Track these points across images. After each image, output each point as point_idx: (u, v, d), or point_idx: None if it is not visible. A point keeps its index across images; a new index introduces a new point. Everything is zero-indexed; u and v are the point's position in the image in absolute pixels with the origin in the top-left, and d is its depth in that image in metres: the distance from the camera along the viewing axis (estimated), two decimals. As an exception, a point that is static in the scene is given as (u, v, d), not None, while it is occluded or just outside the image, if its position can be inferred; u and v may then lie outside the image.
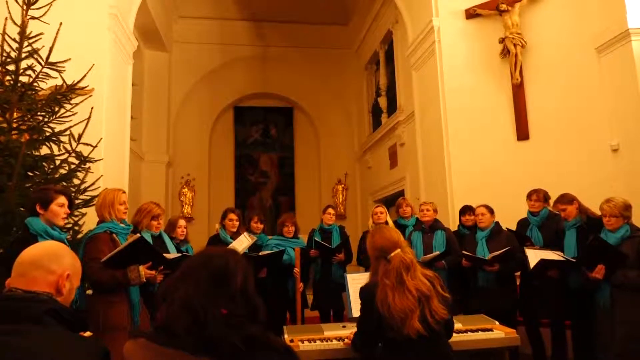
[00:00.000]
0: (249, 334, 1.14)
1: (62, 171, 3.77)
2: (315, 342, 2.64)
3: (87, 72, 4.03)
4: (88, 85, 4.11)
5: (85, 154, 3.90)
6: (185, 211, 9.50)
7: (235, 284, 1.21)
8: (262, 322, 1.22)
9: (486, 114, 5.73)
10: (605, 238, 3.22)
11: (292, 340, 2.65)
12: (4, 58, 3.63)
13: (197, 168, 9.95)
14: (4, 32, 3.66)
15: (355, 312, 2.72)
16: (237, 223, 4.50)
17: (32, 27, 3.75)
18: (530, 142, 5.55)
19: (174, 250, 3.70)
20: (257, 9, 10.20)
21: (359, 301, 2.24)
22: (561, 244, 3.67)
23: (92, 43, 5.06)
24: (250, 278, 1.27)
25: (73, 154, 3.85)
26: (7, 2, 3.78)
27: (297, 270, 4.47)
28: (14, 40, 3.67)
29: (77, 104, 4.00)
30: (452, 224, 5.07)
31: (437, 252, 4.07)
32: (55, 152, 3.81)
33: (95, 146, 3.98)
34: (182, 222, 4.14)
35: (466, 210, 4.67)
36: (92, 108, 4.04)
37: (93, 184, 3.92)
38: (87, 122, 3.86)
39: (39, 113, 3.73)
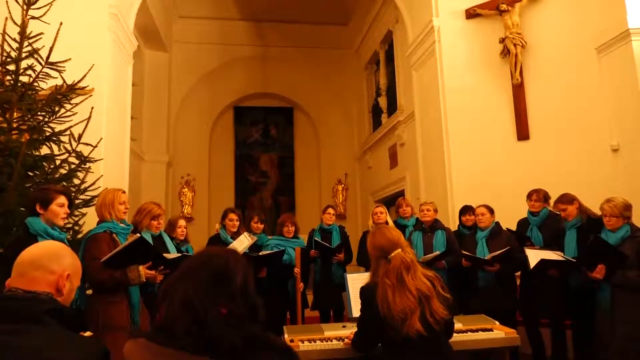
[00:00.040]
0: (249, 334, 1.14)
1: (62, 171, 3.77)
2: (315, 342, 2.64)
3: (87, 72, 4.03)
4: (88, 85, 4.11)
5: (86, 154, 3.90)
6: (185, 211, 9.50)
7: (235, 283, 1.21)
8: (262, 321, 1.22)
9: (486, 114, 5.73)
10: (606, 238, 3.22)
11: (292, 340, 2.65)
12: (4, 58, 3.64)
13: (197, 168, 9.94)
14: (4, 32, 3.66)
15: (355, 312, 2.72)
16: (238, 223, 4.50)
17: (32, 27, 3.76)
18: (530, 142, 5.55)
19: (174, 250, 3.70)
20: (257, 9, 10.20)
21: (359, 301, 2.24)
22: (561, 244, 3.67)
23: (92, 43, 5.06)
24: (250, 278, 1.26)
25: (73, 154, 3.85)
26: (7, 2, 3.78)
27: (297, 270, 4.47)
28: (14, 40, 3.67)
29: (77, 104, 4.01)
30: (452, 224, 5.07)
31: (437, 252, 4.07)
32: (56, 152, 3.82)
33: (96, 146, 3.98)
34: (182, 222, 4.14)
35: (466, 210, 4.68)
36: (92, 108, 4.04)
37: (93, 184, 3.93)
38: (87, 122, 3.86)
39: (39, 113, 3.73)
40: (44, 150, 3.81)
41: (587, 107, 5.22)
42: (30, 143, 3.52)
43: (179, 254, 3.49)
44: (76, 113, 3.94)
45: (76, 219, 3.86)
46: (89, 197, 3.86)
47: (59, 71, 3.83)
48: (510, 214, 4.24)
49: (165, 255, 3.14)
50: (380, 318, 2.05)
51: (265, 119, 10.85)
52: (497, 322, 2.94)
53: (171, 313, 1.16)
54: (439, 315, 2.04)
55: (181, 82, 9.85)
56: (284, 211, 9.65)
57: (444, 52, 5.96)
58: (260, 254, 4.32)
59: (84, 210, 3.89)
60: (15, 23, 3.69)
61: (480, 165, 5.60)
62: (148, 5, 7.59)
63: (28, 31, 3.71)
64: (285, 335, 2.77)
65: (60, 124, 3.84)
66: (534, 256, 3.52)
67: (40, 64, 3.74)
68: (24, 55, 3.68)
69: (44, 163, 3.69)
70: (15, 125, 3.57)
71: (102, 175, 4.27)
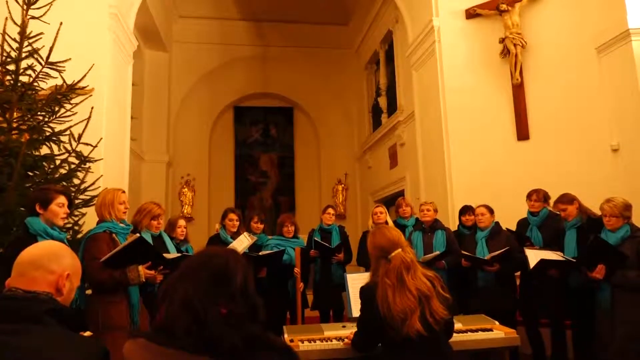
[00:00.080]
0: (249, 334, 1.14)
1: (62, 171, 3.77)
2: (315, 342, 2.64)
3: (87, 72, 4.03)
4: (88, 85, 4.11)
5: (85, 154, 3.90)
6: (185, 211, 9.50)
7: (235, 283, 1.21)
8: (262, 321, 1.22)
9: (486, 114, 5.73)
10: (606, 238, 3.22)
11: (292, 340, 2.65)
12: (4, 58, 3.64)
13: (197, 168, 9.94)
14: (4, 32, 3.66)
15: (355, 312, 2.72)
16: (237, 223, 4.50)
17: (32, 27, 3.76)
18: (530, 142, 5.55)
19: (174, 250, 3.70)
20: (257, 8, 10.20)
21: (359, 301, 2.24)
22: (561, 244, 3.67)
23: (92, 43, 5.06)
24: (250, 278, 1.26)
25: (73, 154, 3.85)
26: (7, 1, 3.78)
27: (297, 270, 4.47)
28: (14, 40, 3.67)
29: (77, 104, 4.01)
30: (452, 224, 5.07)
31: (437, 252, 4.07)
32: (55, 152, 3.82)
33: (95, 146, 3.98)
34: (182, 222, 4.14)
35: (466, 210, 4.68)
36: (92, 108, 4.04)
37: (93, 183, 3.93)
38: (87, 122, 3.86)
39: (39, 113, 3.73)
40: (44, 150, 3.81)
41: (587, 107, 5.22)
42: (30, 143, 3.52)
43: (179, 254, 3.49)
44: (76, 113, 3.94)
45: (76, 218, 3.86)
46: (88, 197, 3.86)
47: (59, 71, 3.83)
48: (510, 214, 4.24)
49: (165, 255, 3.14)
50: (380, 318, 2.05)
51: (265, 118, 10.85)
52: (497, 322, 2.94)
53: (171, 313, 1.16)
54: (439, 315, 2.04)
55: (181, 82, 9.85)
56: (284, 211, 9.64)
57: (444, 52, 5.96)
58: (260, 254, 4.32)
59: (83, 210, 3.89)
60: (15, 23, 3.69)
61: (480, 165, 5.60)
62: (148, 5, 7.59)
63: (28, 31, 3.71)
64: (285, 335, 2.77)
65: (60, 123, 3.84)
66: (533, 256, 3.52)
67: (40, 63, 3.74)
68: (24, 55, 3.68)
69: (44, 163, 3.69)
70: (15, 125, 3.57)
71: (102, 175, 4.27)
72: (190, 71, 9.95)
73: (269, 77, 10.53)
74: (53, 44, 3.72)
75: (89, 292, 2.87)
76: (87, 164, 3.93)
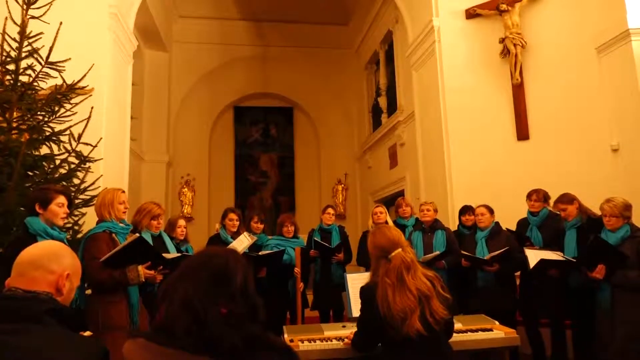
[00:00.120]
0: (249, 334, 1.14)
1: (62, 171, 3.77)
2: (315, 342, 2.64)
3: (87, 72, 4.03)
4: (88, 85, 4.11)
5: (85, 154, 3.90)
6: (185, 211, 9.50)
7: (235, 283, 1.21)
8: (262, 321, 1.22)
9: (486, 114, 5.73)
10: (606, 238, 3.22)
11: (292, 340, 2.65)
12: (4, 57, 3.63)
13: (197, 168, 9.95)
14: (4, 32, 3.66)
15: (355, 312, 2.72)
16: (238, 223, 4.50)
17: (32, 27, 3.76)
18: (530, 142, 5.55)
19: (174, 250, 3.70)
20: (257, 8, 10.20)
21: (359, 301, 2.24)
22: (561, 244, 3.67)
23: (92, 43, 5.06)
24: (250, 278, 1.26)
25: (73, 154, 3.85)
26: (7, 1, 3.78)
27: (297, 270, 4.47)
28: (14, 39, 3.67)
29: (77, 104, 4.00)
30: (452, 224, 5.07)
31: (437, 252, 4.07)
32: (55, 151, 3.82)
33: (95, 146, 3.98)
34: (181, 222, 4.14)
35: (466, 210, 4.67)
36: (92, 108, 4.04)
37: (93, 183, 3.93)
38: (87, 122, 3.86)
39: (39, 113, 3.73)
40: (44, 150, 3.81)
41: (587, 107, 5.22)
42: (30, 143, 3.52)
43: (179, 254, 3.49)
44: (76, 113, 3.94)
45: (76, 218, 3.86)
46: (88, 197, 3.86)
47: (59, 71, 3.83)
48: (510, 214, 4.24)
49: (164, 255, 3.14)
50: (380, 318, 2.05)
51: (265, 118, 10.85)
52: (496, 322, 2.94)
53: (171, 313, 1.16)
54: (438, 315, 2.04)
55: (181, 82, 9.85)
56: (284, 211, 9.65)
57: (444, 52, 5.96)
58: (260, 254, 4.32)
59: (83, 210, 3.89)
60: (15, 23, 3.69)
61: (480, 165, 5.60)
62: (148, 5, 7.59)
63: (28, 31, 3.71)
64: (285, 335, 2.77)
65: (60, 123, 3.83)
66: (533, 256, 3.52)
67: (40, 63, 3.74)
68: (23, 54, 3.67)
69: (43, 163, 3.69)
70: (15, 125, 3.57)
71: (102, 175, 4.27)
72: (190, 71, 9.95)
73: (269, 77, 10.53)
74: (53, 44, 3.72)
75: (88, 292, 2.87)
76: (87, 164, 3.93)
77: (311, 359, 2.54)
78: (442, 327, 2.09)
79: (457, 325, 2.73)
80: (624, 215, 3.21)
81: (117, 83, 5.59)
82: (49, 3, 3.95)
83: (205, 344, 1.10)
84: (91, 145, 3.91)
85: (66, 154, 3.84)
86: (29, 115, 3.65)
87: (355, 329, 2.37)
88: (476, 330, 2.77)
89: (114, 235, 2.93)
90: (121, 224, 3.01)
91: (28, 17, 3.76)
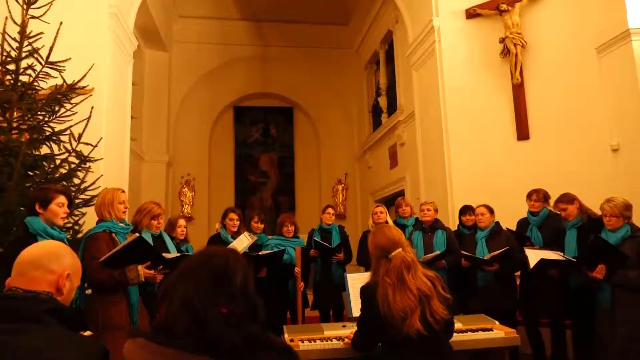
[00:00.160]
0: (249, 334, 1.14)
1: (62, 171, 3.77)
2: (315, 341, 2.64)
3: (87, 72, 4.03)
4: (88, 85, 4.11)
5: (86, 154, 3.90)
6: (185, 211, 9.50)
7: (235, 283, 1.21)
8: (262, 321, 1.22)
9: (486, 114, 5.73)
10: (606, 238, 3.22)
11: (292, 340, 2.65)
12: (4, 57, 3.63)
13: (197, 168, 9.95)
14: (4, 32, 3.66)
15: (355, 311, 2.72)
16: (238, 223, 4.50)
17: (32, 27, 3.76)
18: (530, 142, 5.55)
19: (174, 249, 3.70)
20: (257, 8, 10.20)
21: (359, 301, 2.24)
22: (561, 243, 3.67)
23: (92, 43, 5.06)
24: (250, 277, 1.26)
25: (73, 154, 3.85)
26: (7, 1, 3.78)
27: (297, 269, 4.47)
28: (14, 39, 3.67)
29: (77, 104, 4.00)
30: (452, 223, 5.07)
31: (438, 252, 4.07)
32: (56, 151, 3.81)
33: (96, 146, 3.98)
34: (182, 222, 4.14)
35: (466, 210, 4.67)
36: (92, 108, 4.04)
37: (93, 183, 3.93)
38: (87, 122, 3.86)
39: (39, 112, 3.73)
40: (44, 149, 3.81)
41: (587, 107, 5.22)
42: (30, 143, 3.52)
43: (179, 254, 3.49)
44: (76, 113, 3.94)
45: (76, 218, 3.86)
46: (89, 197, 3.86)
47: (59, 71, 3.83)
48: (510, 214, 4.24)
49: (164, 255, 3.14)
50: (380, 317, 2.05)
51: (265, 118, 10.86)
52: (497, 322, 2.94)
53: (171, 313, 1.16)
54: (439, 315, 2.04)
55: (181, 82, 9.85)
56: (284, 211, 9.64)
57: (444, 52, 5.96)
58: (260, 253, 4.32)
59: (84, 209, 3.89)
60: (15, 22, 3.68)
61: (480, 165, 5.59)
62: (148, 5, 7.59)
63: (28, 31, 3.71)
64: (285, 335, 2.77)
65: (60, 123, 3.83)
66: (533, 256, 3.52)
67: (40, 63, 3.74)
68: (24, 54, 3.67)
69: (44, 163, 3.69)
70: (15, 124, 3.57)
71: (102, 175, 4.27)
72: (190, 71, 9.95)
73: (269, 77, 10.53)
74: (53, 44, 3.72)
75: (88, 292, 2.87)
76: (87, 164, 3.93)
77: (311, 358, 2.54)
78: (443, 327, 2.09)
79: (457, 325, 2.73)
80: (624, 215, 3.21)
81: (117, 83, 5.59)
82: (49, 3, 3.95)
83: (205, 344, 1.10)
84: (91, 145, 3.91)
85: (66, 154, 3.84)
86: (29, 115, 3.65)
87: (355, 329, 2.37)
88: (476, 330, 2.77)
89: (113, 235, 2.93)
90: (121, 224, 3.01)
91: (28, 17, 3.76)
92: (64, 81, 3.87)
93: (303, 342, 2.62)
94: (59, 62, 3.79)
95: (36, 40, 3.72)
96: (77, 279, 1.38)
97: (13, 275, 1.28)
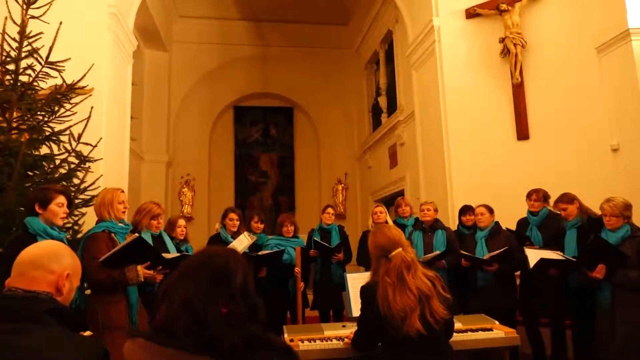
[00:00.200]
0: (249, 334, 1.14)
1: (62, 171, 3.77)
2: (315, 341, 2.64)
3: (87, 72, 4.03)
4: (88, 85, 4.11)
5: (85, 154, 3.90)
6: (185, 211, 9.50)
7: (235, 283, 1.21)
8: (262, 321, 1.22)
9: (486, 114, 5.73)
10: (606, 238, 3.22)
11: (292, 340, 2.65)
12: (3, 57, 3.63)
13: (197, 168, 9.95)
14: (4, 32, 3.66)
15: (355, 311, 2.72)
16: (238, 223, 4.50)
17: (32, 27, 3.75)
18: (530, 142, 5.55)
19: (174, 250, 3.70)
20: (257, 8, 10.20)
21: (359, 301, 2.24)
22: (561, 243, 3.67)
23: (92, 43, 5.06)
24: (250, 277, 1.26)
25: (73, 154, 3.85)
26: (6, 1, 3.78)
27: (297, 269, 4.47)
28: (13, 39, 3.67)
29: (77, 104, 4.00)
30: (452, 223, 5.07)
31: (438, 252, 4.07)
32: (55, 151, 3.81)
33: (95, 146, 3.98)
34: (181, 222, 4.14)
35: (466, 210, 4.67)
36: (92, 108, 4.04)
37: (93, 183, 3.92)
38: (87, 122, 3.86)
39: (38, 112, 3.73)
40: (44, 150, 3.80)
41: (587, 107, 5.22)
42: (30, 143, 3.52)
43: (179, 254, 3.49)
44: (76, 113, 3.94)
45: (76, 218, 3.86)
46: (88, 197, 3.86)
47: (59, 71, 3.83)
48: (510, 214, 4.24)
49: (164, 255, 3.13)
50: (380, 317, 2.05)
51: (265, 118, 10.85)
52: (496, 322, 2.94)
53: (171, 313, 1.16)
54: (439, 315, 2.04)
55: (181, 82, 9.85)
56: (284, 211, 9.65)
57: (444, 51, 5.96)
58: (260, 253, 4.32)
59: (83, 209, 3.89)
60: (15, 22, 3.68)
61: (480, 165, 5.59)
62: (148, 5, 7.59)
63: (28, 31, 3.71)
64: (285, 335, 2.77)
65: (60, 123, 3.83)
66: (533, 255, 3.52)
67: (40, 63, 3.74)
68: (23, 54, 3.67)
69: (43, 163, 3.69)
70: (15, 124, 3.57)
71: (101, 175, 4.27)
72: (190, 71, 9.95)
73: (269, 77, 10.53)
74: (53, 44, 3.72)
75: (88, 292, 2.87)
76: (87, 164, 3.93)
77: (311, 358, 2.54)
78: (442, 326, 2.09)
79: (457, 325, 2.73)
80: (624, 215, 3.21)
81: (117, 83, 5.59)
82: (48, 3, 3.95)
83: (205, 344, 1.10)
84: (91, 145, 3.91)
85: (66, 154, 3.84)
86: (29, 115, 3.65)
87: (355, 329, 2.37)
88: (476, 330, 2.77)
89: (113, 235, 2.93)
90: (120, 224, 3.01)
91: (28, 17, 3.75)
92: (64, 81, 3.87)
93: (303, 342, 2.62)
94: (59, 62, 3.79)
95: (36, 40, 3.72)
96: (77, 279, 1.38)
97: (13, 275, 1.28)
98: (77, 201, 3.76)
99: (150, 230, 3.53)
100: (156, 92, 9.32)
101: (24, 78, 3.69)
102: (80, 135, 3.84)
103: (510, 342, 2.74)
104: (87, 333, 1.55)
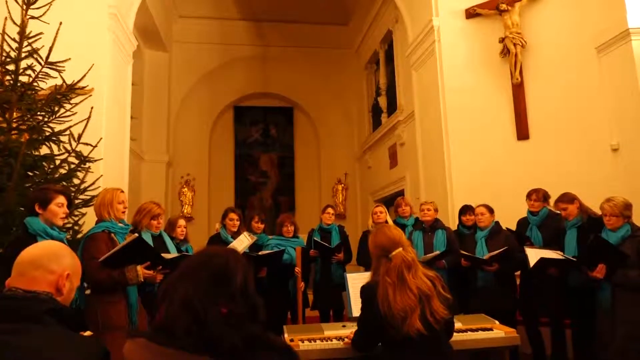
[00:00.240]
0: (249, 334, 1.14)
1: (62, 171, 3.77)
2: (315, 341, 2.64)
3: (87, 72, 4.03)
4: (88, 85, 4.11)
5: (85, 154, 3.90)
6: (185, 211, 9.50)
7: (235, 283, 1.21)
8: (262, 321, 1.22)
9: (486, 114, 5.73)
10: (606, 237, 3.22)
11: (292, 340, 2.65)
12: (3, 58, 3.63)
13: (197, 168, 9.95)
14: (4, 32, 3.66)
15: (355, 311, 2.72)
16: (238, 223, 4.50)
17: (32, 27, 3.75)
18: (530, 142, 5.55)
19: (174, 250, 3.70)
20: (257, 8, 10.20)
21: (359, 301, 2.24)
22: (561, 243, 3.67)
23: (92, 43, 5.06)
24: (250, 277, 1.26)
25: (73, 154, 3.85)
26: (6, 1, 3.78)
27: (297, 269, 4.47)
28: (13, 40, 3.67)
29: (76, 104, 4.00)
30: (452, 223, 5.06)
31: (438, 252, 4.07)
32: (55, 151, 3.81)
33: (95, 146, 3.98)
34: (181, 222, 4.14)
35: (466, 210, 4.67)
36: (92, 108, 4.04)
37: (93, 183, 3.92)
38: (87, 122, 3.86)
39: (38, 113, 3.73)
40: (44, 150, 3.80)
41: (587, 107, 5.22)
42: (30, 143, 3.52)
43: (179, 254, 3.49)
44: (76, 113, 3.94)
45: (76, 218, 3.86)
46: (88, 197, 3.86)
47: (59, 71, 3.83)
48: (510, 214, 4.24)
49: (164, 255, 3.14)
50: (380, 317, 2.05)
51: (265, 118, 10.86)
52: (496, 322, 2.94)
53: (171, 313, 1.16)
54: (439, 315, 2.04)
55: (181, 82, 9.85)
56: (284, 211, 9.65)
57: (443, 51, 5.96)
58: (260, 253, 4.32)
59: (83, 210, 3.89)
60: (14, 23, 3.68)
61: (480, 165, 5.59)
62: (148, 5, 7.59)
63: (27, 31, 3.71)
64: (285, 335, 2.77)
65: (60, 123, 3.83)
66: (533, 255, 3.52)
67: (40, 63, 3.74)
68: (23, 55, 3.67)
69: (43, 163, 3.69)
70: (14, 125, 3.57)
71: (101, 175, 4.27)
72: (190, 71, 9.95)
73: (269, 77, 10.53)
74: (53, 44, 3.72)
75: (87, 292, 2.87)
76: (87, 164, 3.93)
77: (311, 358, 2.54)
78: (443, 326, 2.09)
79: (457, 325, 2.73)
80: (624, 214, 3.21)
81: (117, 83, 5.59)
82: (48, 3, 3.95)
83: (205, 344, 1.10)
84: (91, 145, 3.91)
85: (66, 154, 3.84)
86: (28, 116, 3.65)
87: (355, 329, 2.37)
88: (476, 330, 2.77)
89: (112, 235, 2.93)
90: (120, 224, 3.01)
91: (28, 17, 3.75)
92: (64, 81, 3.87)
93: (303, 342, 2.62)
94: (59, 62, 3.79)
95: (36, 40, 3.72)
96: (77, 279, 1.38)
97: (13, 275, 1.28)
98: (77, 201, 3.76)
99: (150, 231, 3.53)
100: (156, 92, 9.32)
101: (23, 78, 3.69)
102: (80, 136, 3.84)
103: (510, 341, 2.75)
104: (87, 333, 1.55)
